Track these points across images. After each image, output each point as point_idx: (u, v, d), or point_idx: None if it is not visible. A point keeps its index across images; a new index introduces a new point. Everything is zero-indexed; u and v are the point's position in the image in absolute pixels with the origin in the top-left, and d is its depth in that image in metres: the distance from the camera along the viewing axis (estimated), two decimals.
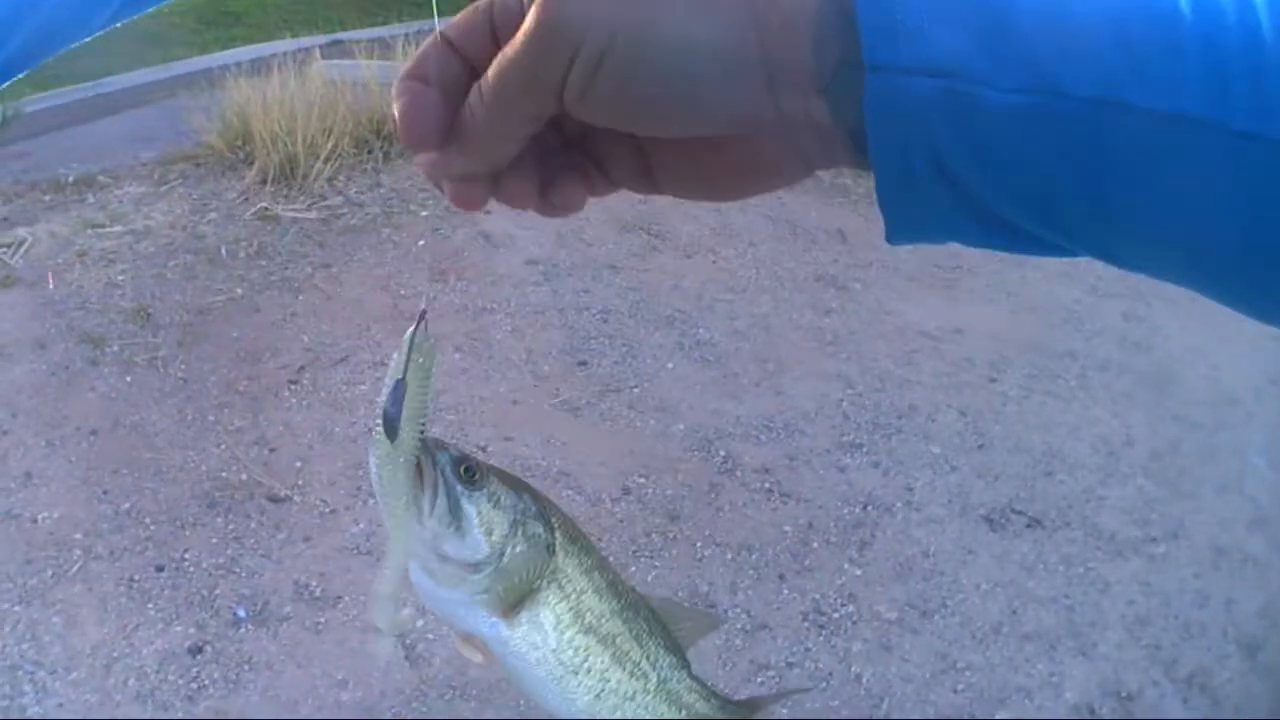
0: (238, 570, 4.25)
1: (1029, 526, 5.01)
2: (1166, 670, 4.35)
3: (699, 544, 4.65)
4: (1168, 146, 0.57)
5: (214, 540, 4.39)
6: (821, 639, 4.26)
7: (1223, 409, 6.28)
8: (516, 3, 0.70)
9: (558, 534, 0.98)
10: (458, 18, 0.74)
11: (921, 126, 0.61)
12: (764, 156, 0.73)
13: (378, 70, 8.41)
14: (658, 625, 1.05)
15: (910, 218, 0.68)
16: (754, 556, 4.63)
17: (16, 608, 3.96)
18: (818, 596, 4.46)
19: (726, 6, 0.64)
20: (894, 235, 0.70)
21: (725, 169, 0.75)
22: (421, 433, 0.87)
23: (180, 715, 3.63)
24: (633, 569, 4.41)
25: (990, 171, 0.62)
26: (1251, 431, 6.10)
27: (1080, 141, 0.59)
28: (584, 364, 5.84)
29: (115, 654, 3.82)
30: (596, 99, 0.67)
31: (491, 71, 0.69)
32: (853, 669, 4.15)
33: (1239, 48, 0.57)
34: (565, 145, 0.77)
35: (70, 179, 7.13)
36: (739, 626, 4.27)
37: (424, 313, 0.86)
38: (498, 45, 0.70)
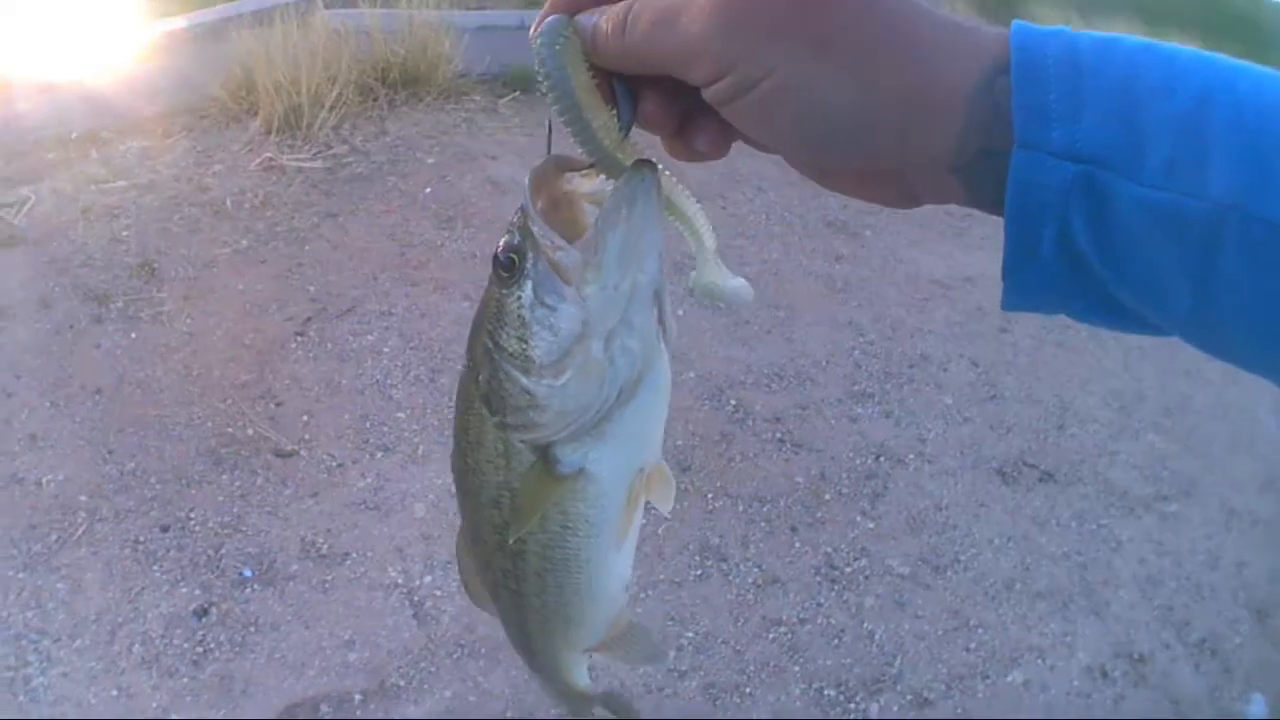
0: (244, 529, 4.23)
1: (1041, 480, 5.00)
2: (1178, 633, 4.35)
3: (710, 495, 4.64)
4: (1274, 251, 0.63)
5: (220, 498, 4.36)
6: (834, 594, 4.25)
7: (1233, 366, 6.26)
8: None
9: None
10: None
11: (1058, 205, 0.68)
12: (884, 182, 0.81)
13: (381, 19, 8.35)
14: None
15: (1029, 287, 0.74)
16: (765, 509, 4.62)
17: (21, 574, 3.93)
18: (830, 550, 4.45)
19: (883, 90, 0.71)
20: (1009, 302, 0.77)
21: (851, 184, 0.83)
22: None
23: (186, 680, 3.61)
24: (644, 523, 4.37)
25: (1113, 256, 0.69)
26: (1262, 390, 6.08)
27: (1202, 240, 0.65)
28: None
29: (120, 619, 3.79)
30: (729, 110, 0.76)
31: (645, 22, 0.76)
32: (865, 625, 4.14)
33: None
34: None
35: (73, 135, 7.10)
36: (750, 581, 4.26)
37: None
38: None
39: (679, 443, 4.90)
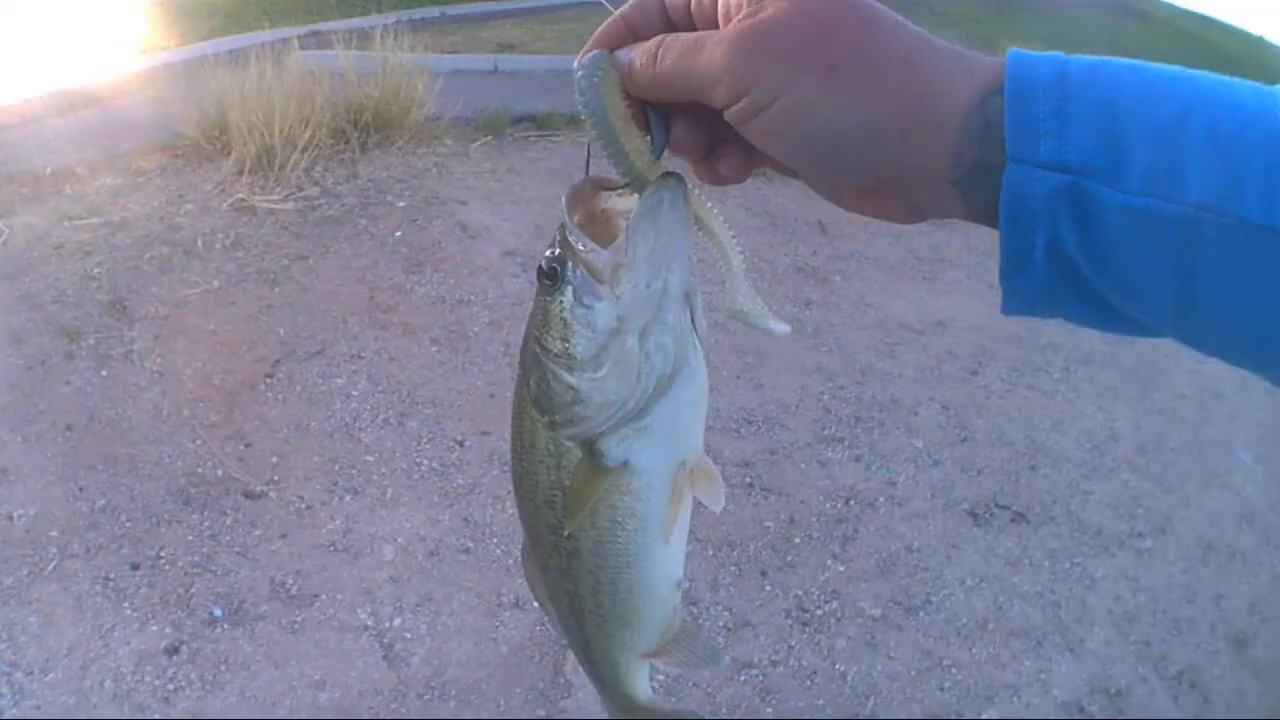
0: (214, 568, 4.20)
1: (1013, 521, 5.01)
2: (1156, 667, 4.35)
3: None
4: (1256, 254, 0.68)
5: (190, 538, 4.33)
6: (805, 636, 4.23)
7: (1208, 403, 6.31)
8: None
9: None
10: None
11: (1047, 214, 0.74)
12: (891, 203, 0.87)
13: (355, 61, 8.40)
14: None
15: (1024, 291, 0.81)
16: (735, 553, 4.60)
17: None
18: (800, 593, 4.43)
19: (885, 109, 0.78)
20: (1007, 306, 0.84)
21: (860, 200, 0.89)
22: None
23: (157, 717, 3.58)
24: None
25: (1100, 259, 0.75)
26: (1237, 426, 6.12)
27: (1179, 241, 0.71)
28: None
29: (91, 654, 3.76)
30: (747, 129, 0.82)
31: (674, 53, 0.84)
32: (837, 667, 4.12)
33: None
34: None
35: (48, 171, 7.11)
36: (721, 624, 4.24)
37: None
38: (668, 18, 0.90)
39: None
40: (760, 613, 4.32)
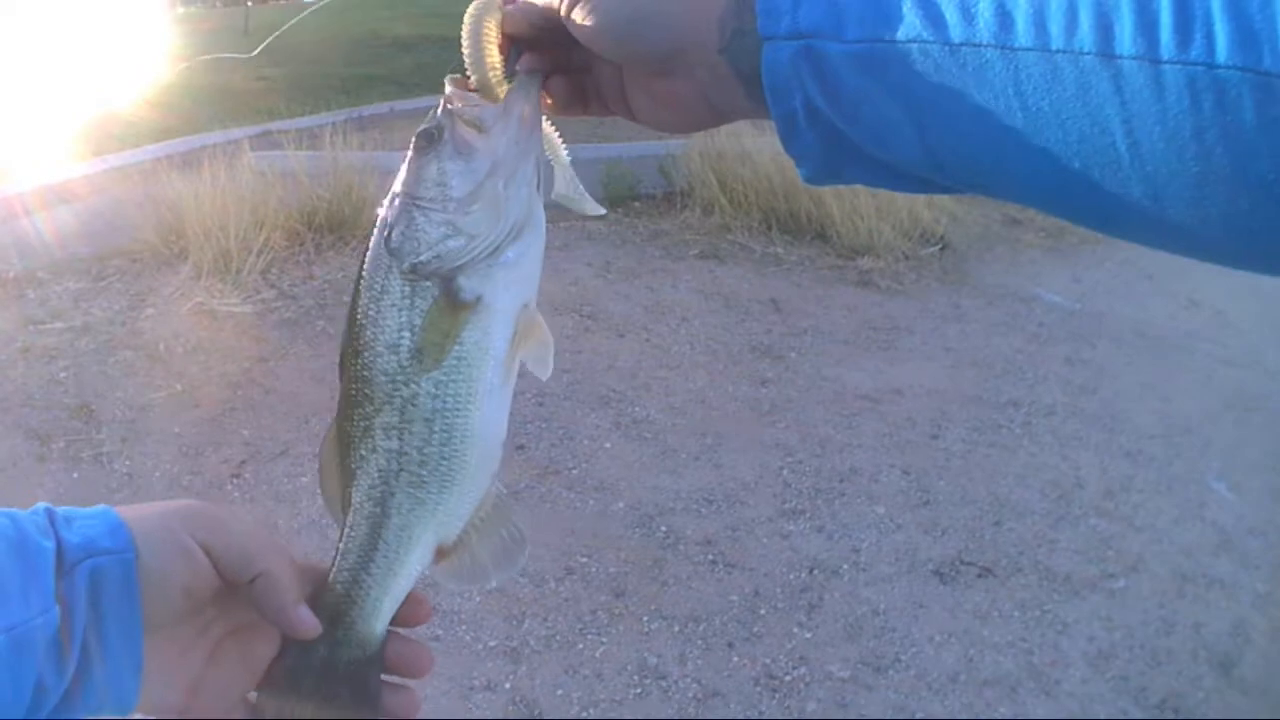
0: None
1: (980, 576, 5.00)
2: (1136, 699, 4.35)
3: (645, 618, 4.62)
4: (966, 72, 0.75)
5: None
6: (775, 701, 4.22)
7: (1176, 439, 6.31)
8: None
9: None
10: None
11: (797, 80, 0.84)
12: (690, 96, 0.96)
13: (306, 161, 8.51)
14: None
15: (804, 156, 0.90)
16: (701, 627, 4.60)
17: None
18: (768, 661, 4.43)
19: None
20: (803, 174, 0.93)
21: (668, 102, 0.99)
22: None
23: None
24: (580, 646, 4.38)
25: (846, 112, 0.83)
26: (1209, 458, 6.13)
27: (900, 77, 0.78)
28: (522, 448, 5.82)
29: None
30: (574, 22, 0.95)
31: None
32: None
33: None
34: (577, 73, 1.07)
35: (10, 274, 7.26)
36: (690, 695, 4.23)
37: None
38: None
39: (611, 570, 4.91)
40: (729, 683, 4.32)
